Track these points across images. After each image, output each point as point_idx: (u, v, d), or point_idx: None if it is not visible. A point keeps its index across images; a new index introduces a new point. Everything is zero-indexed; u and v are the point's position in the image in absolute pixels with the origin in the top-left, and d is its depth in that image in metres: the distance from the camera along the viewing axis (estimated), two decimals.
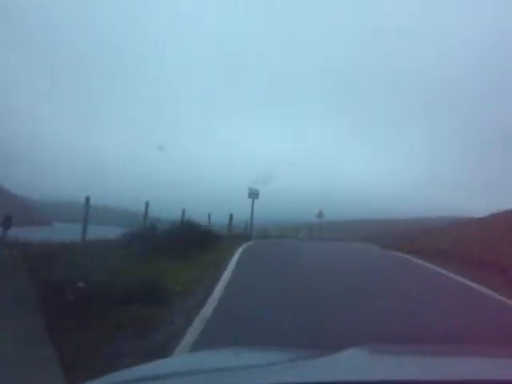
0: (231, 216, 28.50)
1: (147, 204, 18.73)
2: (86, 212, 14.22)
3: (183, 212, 21.21)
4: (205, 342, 5.88)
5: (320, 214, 44.38)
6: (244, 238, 26.30)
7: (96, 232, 15.65)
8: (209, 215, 25.14)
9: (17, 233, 11.34)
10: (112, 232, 16.14)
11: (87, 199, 14.51)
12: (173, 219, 20.16)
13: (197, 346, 5.66)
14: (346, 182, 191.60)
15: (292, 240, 32.74)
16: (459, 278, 12.77)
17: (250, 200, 31.07)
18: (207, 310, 7.76)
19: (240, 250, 18.30)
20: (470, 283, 11.99)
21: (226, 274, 11.67)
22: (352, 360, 2.23)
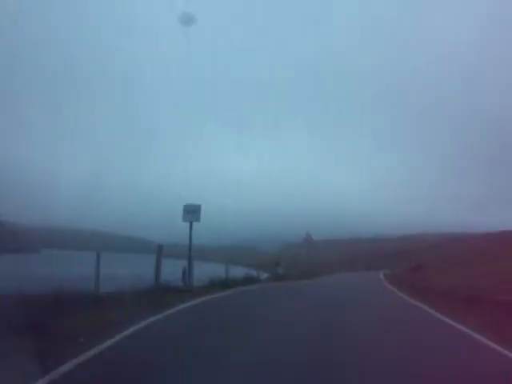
0: (159, 254, 16.34)
1: None
2: None
3: None
4: None
5: (308, 238, 41.98)
6: (176, 293, 14.93)
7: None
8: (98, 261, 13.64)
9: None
10: None
11: None
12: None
13: None
14: (331, 201, 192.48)
15: (267, 290, 21.60)
16: None
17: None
18: None
19: None
20: None
21: None
22: None
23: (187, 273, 18.17)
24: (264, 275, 36.33)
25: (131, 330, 8.74)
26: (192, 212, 19.18)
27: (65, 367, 5.79)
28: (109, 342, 7.49)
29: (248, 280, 24.48)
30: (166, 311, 11.42)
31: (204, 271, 22.47)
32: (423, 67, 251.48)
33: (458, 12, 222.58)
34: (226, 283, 20.70)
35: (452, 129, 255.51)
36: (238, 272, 27.36)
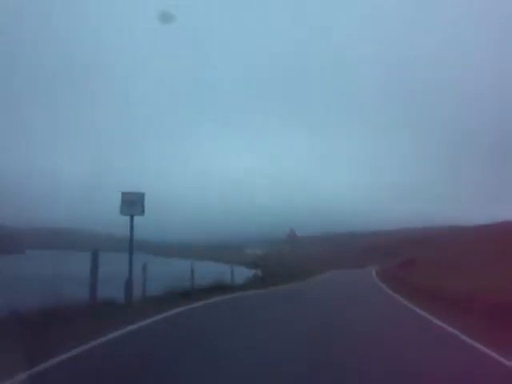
0: (93, 263, 12.63)
1: None
2: None
3: None
4: None
5: (292, 234, 38.21)
6: (95, 319, 10.30)
7: None
8: None
9: None
10: None
11: None
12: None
13: None
14: (318, 196, 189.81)
15: (240, 307, 16.05)
16: None
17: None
18: None
19: None
20: None
21: None
22: None
23: (131, 284, 13.90)
24: (244, 275, 33.13)
25: None
26: (132, 203, 14.67)
27: None
28: None
29: (219, 287, 20.03)
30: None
31: (173, 273, 18.62)
32: (423, 67, 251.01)
33: (457, 12, 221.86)
34: (187, 293, 16.47)
35: (448, 127, 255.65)
36: (213, 272, 23.22)
